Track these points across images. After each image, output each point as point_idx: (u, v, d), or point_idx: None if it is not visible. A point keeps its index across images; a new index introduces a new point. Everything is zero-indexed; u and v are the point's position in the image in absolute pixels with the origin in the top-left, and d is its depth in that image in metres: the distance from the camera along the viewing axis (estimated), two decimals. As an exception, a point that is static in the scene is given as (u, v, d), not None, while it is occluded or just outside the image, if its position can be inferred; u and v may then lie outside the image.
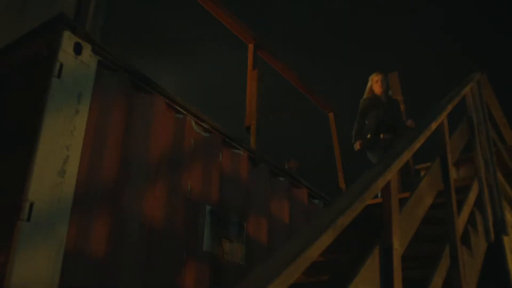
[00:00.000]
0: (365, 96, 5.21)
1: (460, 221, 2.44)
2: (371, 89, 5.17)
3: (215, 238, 2.84)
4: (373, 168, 1.59)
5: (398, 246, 1.56)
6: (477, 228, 2.81)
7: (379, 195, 2.01)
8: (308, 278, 2.83)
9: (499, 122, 4.50)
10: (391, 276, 1.49)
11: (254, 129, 3.63)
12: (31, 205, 1.89)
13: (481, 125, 3.46)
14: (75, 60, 2.24)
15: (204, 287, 2.66)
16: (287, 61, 4.40)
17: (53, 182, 2.01)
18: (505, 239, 3.09)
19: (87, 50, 2.31)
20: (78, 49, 2.26)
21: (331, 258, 2.83)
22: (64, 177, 2.06)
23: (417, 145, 2.01)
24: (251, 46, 3.95)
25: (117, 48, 2.55)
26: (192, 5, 3.64)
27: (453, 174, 2.56)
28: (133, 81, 2.59)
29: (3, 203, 2.07)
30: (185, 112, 2.88)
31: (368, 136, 4.94)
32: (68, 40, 2.22)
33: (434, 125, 2.36)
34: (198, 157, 2.91)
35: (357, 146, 5.00)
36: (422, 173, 4.54)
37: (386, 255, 1.50)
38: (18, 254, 1.81)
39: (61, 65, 2.16)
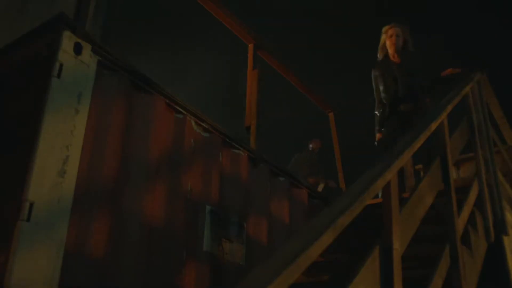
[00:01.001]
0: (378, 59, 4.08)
1: (460, 221, 2.44)
2: (383, 48, 4.08)
3: (215, 238, 2.84)
4: (373, 168, 1.59)
5: (398, 246, 1.56)
6: (477, 228, 2.81)
7: (380, 195, 2.01)
8: (308, 278, 2.83)
9: (499, 122, 4.50)
10: (391, 276, 1.49)
11: (254, 129, 3.63)
12: (31, 205, 1.89)
13: (481, 125, 3.46)
14: (75, 60, 2.24)
15: (204, 287, 2.66)
16: (287, 60, 4.40)
17: (53, 182, 2.00)
18: (505, 239, 3.09)
19: (87, 50, 2.30)
20: (78, 49, 2.26)
21: (331, 258, 2.83)
22: (64, 177, 2.06)
23: (417, 145, 2.01)
24: (251, 46, 3.95)
25: (117, 48, 2.55)
26: (193, 4, 3.64)
27: (453, 174, 2.56)
28: (133, 81, 2.58)
29: (3, 203, 2.07)
30: (185, 112, 2.88)
31: (377, 130, 4.01)
32: (68, 40, 2.21)
33: (434, 125, 2.36)
34: (198, 157, 2.91)
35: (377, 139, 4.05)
36: (422, 173, 4.53)
37: (386, 255, 1.50)
38: (18, 254, 1.81)
39: (61, 65, 2.16)
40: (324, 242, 0.99)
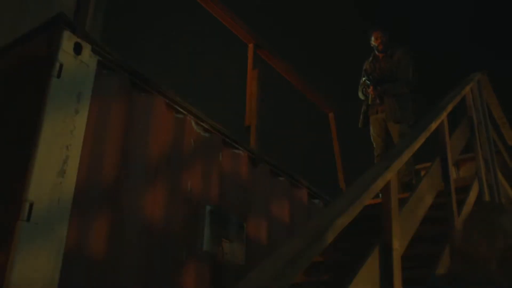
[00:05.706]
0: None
1: (460, 221, 2.44)
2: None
3: (215, 238, 2.84)
4: (373, 167, 1.59)
5: (398, 246, 1.56)
6: (478, 228, 2.80)
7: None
8: (308, 278, 2.83)
9: (499, 122, 4.49)
10: (391, 276, 1.49)
11: (254, 129, 3.63)
12: (31, 205, 1.89)
13: (481, 125, 3.46)
14: (74, 60, 2.23)
15: (204, 287, 2.66)
16: (287, 60, 4.39)
17: (53, 182, 2.00)
18: (506, 239, 3.08)
19: (86, 50, 2.30)
20: (77, 49, 2.26)
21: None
22: (64, 177, 2.05)
23: (417, 145, 2.01)
24: (251, 46, 3.94)
25: (117, 48, 2.54)
26: (193, 3, 3.63)
27: (453, 174, 2.55)
28: (133, 81, 2.58)
29: (3, 203, 2.06)
30: (185, 112, 2.87)
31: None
32: (67, 40, 2.21)
33: (434, 125, 2.35)
34: (198, 157, 2.90)
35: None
36: (422, 173, 4.53)
37: (385, 255, 1.50)
38: (18, 254, 1.81)
39: (61, 65, 2.16)
40: (323, 243, 0.99)
